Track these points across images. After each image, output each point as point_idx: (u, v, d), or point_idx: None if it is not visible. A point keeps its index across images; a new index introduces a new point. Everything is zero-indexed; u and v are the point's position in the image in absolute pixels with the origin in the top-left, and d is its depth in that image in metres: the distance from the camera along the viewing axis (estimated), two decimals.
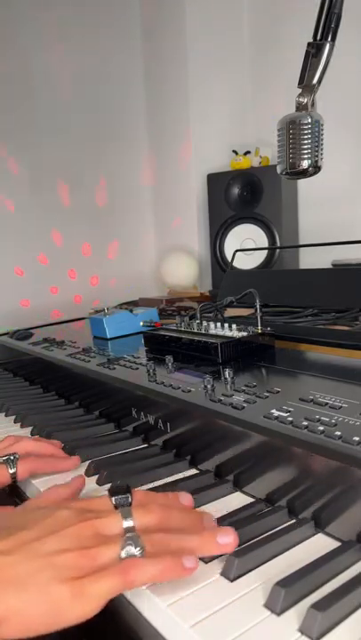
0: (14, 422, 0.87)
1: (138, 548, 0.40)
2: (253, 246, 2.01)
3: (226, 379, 0.70)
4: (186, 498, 0.50)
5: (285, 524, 0.49)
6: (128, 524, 0.42)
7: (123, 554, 0.39)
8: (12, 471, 0.62)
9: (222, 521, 0.49)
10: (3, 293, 2.05)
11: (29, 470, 0.63)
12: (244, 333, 0.84)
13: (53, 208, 2.16)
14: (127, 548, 0.40)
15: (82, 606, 0.37)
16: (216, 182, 2.09)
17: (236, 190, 2.06)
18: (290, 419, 0.53)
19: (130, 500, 0.46)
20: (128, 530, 0.42)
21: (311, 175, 0.79)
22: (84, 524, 0.42)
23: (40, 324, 1.59)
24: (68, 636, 0.55)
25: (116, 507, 0.45)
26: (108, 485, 0.59)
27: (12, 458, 0.63)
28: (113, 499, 0.46)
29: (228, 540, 0.43)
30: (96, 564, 0.39)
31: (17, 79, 2.01)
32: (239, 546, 0.45)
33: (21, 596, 0.36)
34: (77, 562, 0.38)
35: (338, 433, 0.48)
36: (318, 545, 0.46)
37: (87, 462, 0.66)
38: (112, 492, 0.47)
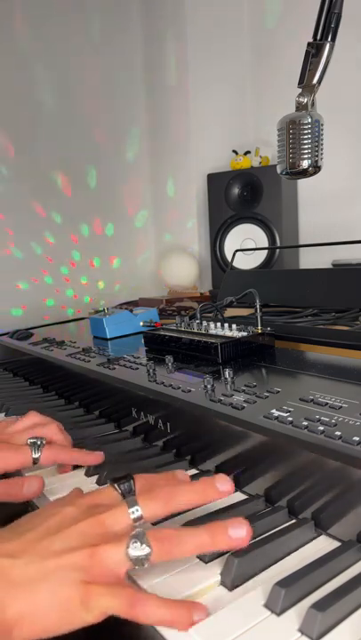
0: None
1: (144, 546, 0.39)
2: (253, 246, 2.01)
3: (226, 379, 0.70)
4: (182, 474, 0.49)
5: (285, 524, 0.49)
6: (136, 514, 0.42)
7: (130, 552, 0.39)
8: (35, 455, 0.62)
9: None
10: (4, 293, 2.05)
11: (54, 458, 0.63)
12: (244, 333, 0.84)
13: (55, 208, 2.16)
14: (133, 546, 0.39)
15: (87, 614, 0.36)
16: (216, 182, 2.09)
17: (236, 190, 2.06)
18: (290, 419, 0.53)
19: (133, 485, 0.45)
20: (136, 520, 0.41)
21: (311, 175, 0.79)
22: (91, 521, 0.41)
23: (40, 324, 1.59)
24: (68, 635, 0.55)
25: (123, 495, 0.45)
26: None
27: (38, 443, 0.62)
28: (116, 485, 0.45)
29: (241, 533, 0.40)
30: (104, 565, 0.38)
31: (17, 79, 2.01)
32: None
33: (33, 600, 0.36)
34: (85, 562, 0.38)
35: (338, 433, 0.48)
36: (318, 545, 0.46)
37: None
38: (114, 480, 0.46)
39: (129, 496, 0.44)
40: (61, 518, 0.42)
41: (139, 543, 0.39)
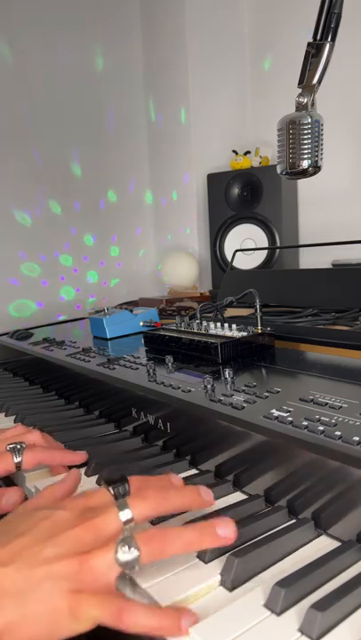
0: (14, 422, 0.87)
1: (132, 549, 0.39)
2: (253, 246, 2.01)
3: (226, 379, 0.70)
4: (176, 479, 0.50)
5: (285, 524, 0.49)
6: (126, 516, 0.42)
7: (119, 557, 0.39)
8: (17, 460, 0.62)
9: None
10: (5, 294, 2.05)
11: (36, 460, 0.63)
12: (244, 333, 0.84)
13: (54, 206, 2.16)
14: (122, 550, 0.39)
15: (76, 624, 0.36)
16: (216, 182, 2.09)
17: (236, 190, 2.06)
18: (290, 419, 0.53)
19: (127, 487, 0.45)
20: (127, 522, 0.41)
21: (311, 175, 0.79)
22: (84, 527, 0.41)
23: (40, 324, 1.59)
24: None
25: (116, 497, 0.44)
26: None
27: (18, 447, 0.63)
28: (111, 489, 0.45)
29: (228, 532, 0.42)
30: (94, 573, 0.38)
31: (17, 80, 2.01)
32: (240, 545, 0.45)
33: (21, 610, 0.36)
34: (74, 570, 0.38)
35: (338, 433, 0.48)
36: (318, 545, 0.46)
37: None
38: (108, 483, 0.45)
39: (121, 498, 0.44)
40: (53, 523, 0.42)
41: (127, 547, 0.39)
